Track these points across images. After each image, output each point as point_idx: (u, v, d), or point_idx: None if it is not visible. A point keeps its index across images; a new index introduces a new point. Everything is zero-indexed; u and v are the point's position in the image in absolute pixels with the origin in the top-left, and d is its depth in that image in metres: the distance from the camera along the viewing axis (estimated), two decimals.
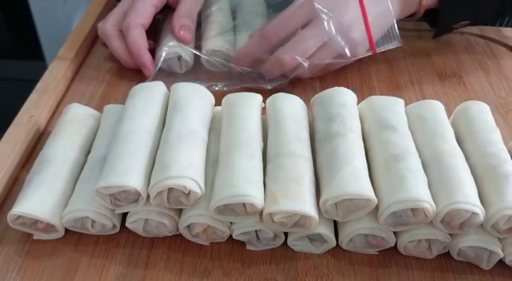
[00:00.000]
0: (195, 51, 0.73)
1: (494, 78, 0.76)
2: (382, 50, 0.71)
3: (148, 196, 0.49)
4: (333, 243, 0.51)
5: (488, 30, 0.86)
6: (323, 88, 0.72)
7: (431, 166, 0.52)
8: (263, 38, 0.68)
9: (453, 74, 0.77)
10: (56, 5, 1.54)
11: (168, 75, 0.72)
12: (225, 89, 0.70)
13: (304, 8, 0.67)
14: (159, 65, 0.71)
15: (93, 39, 0.80)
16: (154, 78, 0.69)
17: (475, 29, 0.86)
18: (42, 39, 1.66)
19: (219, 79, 0.71)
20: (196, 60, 0.74)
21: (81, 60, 0.76)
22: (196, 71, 0.73)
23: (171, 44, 0.72)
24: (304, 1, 0.67)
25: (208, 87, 0.61)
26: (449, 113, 0.60)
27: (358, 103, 0.61)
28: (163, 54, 0.71)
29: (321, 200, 0.49)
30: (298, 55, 0.66)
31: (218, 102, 0.60)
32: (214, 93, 0.61)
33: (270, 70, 0.69)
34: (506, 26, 0.90)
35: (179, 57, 0.72)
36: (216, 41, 0.73)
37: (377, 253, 0.52)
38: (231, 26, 0.78)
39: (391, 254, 0.52)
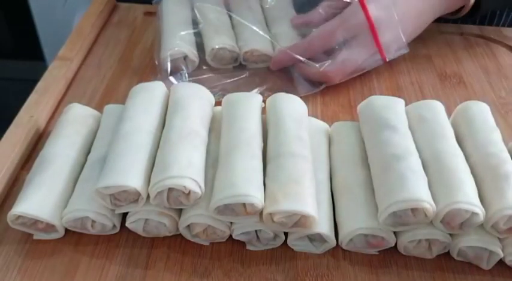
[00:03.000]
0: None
1: (494, 78, 0.76)
2: (392, 58, 0.72)
3: (148, 196, 0.49)
4: (333, 243, 0.51)
5: (488, 30, 0.86)
6: (323, 88, 0.73)
7: (431, 166, 0.52)
8: (309, 46, 0.71)
9: (453, 74, 0.77)
10: (56, 5, 1.53)
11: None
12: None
13: (352, 22, 0.69)
14: (168, 66, 0.71)
15: (93, 39, 0.80)
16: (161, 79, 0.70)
17: (475, 29, 0.86)
18: (42, 39, 1.66)
19: (225, 77, 0.72)
20: (201, 59, 0.74)
21: (81, 60, 0.76)
22: (201, 69, 0.74)
23: (177, 44, 0.72)
24: (351, 14, 0.69)
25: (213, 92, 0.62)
26: (449, 113, 0.60)
27: (358, 103, 0.61)
28: (170, 56, 0.71)
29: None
30: (345, 71, 0.71)
31: (218, 103, 0.60)
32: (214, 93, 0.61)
33: (310, 76, 0.71)
34: (507, 26, 0.90)
35: (185, 57, 0.72)
36: (219, 38, 0.74)
37: (377, 253, 0.52)
38: (229, 22, 0.78)
39: (391, 254, 0.52)
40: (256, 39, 0.74)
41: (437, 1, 0.74)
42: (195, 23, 0.78)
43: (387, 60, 0.72)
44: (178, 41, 0.72)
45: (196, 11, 0.80)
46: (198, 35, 0.76)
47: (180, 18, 0.77)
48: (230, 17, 0.79)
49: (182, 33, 0.74)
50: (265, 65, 0.75)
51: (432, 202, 0.48)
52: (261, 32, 0.75)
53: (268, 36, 0.75)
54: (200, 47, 0.74)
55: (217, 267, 0.51)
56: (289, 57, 0.71)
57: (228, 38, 0.74)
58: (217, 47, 0.73)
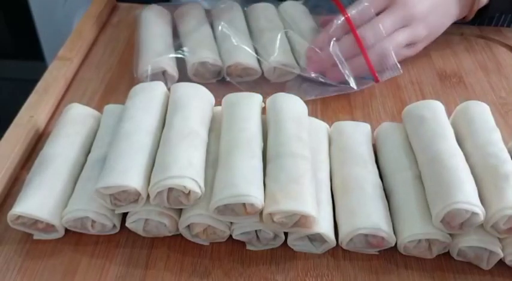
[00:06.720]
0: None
1: (494, 78, 0.76)
2: (385, 79, 0.71)
3: (148, 196, 0.49)
4: (333, 243, 0.51)
5: (488, 30, 0.86)
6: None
7: (431, 166, 0.52)
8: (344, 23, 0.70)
9: (453, 74, 0.77)
10: (56, 5, 1.53)
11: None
12: None
13: None
14: (147, 80, 0.67)
15: (93, 40, 0.80)
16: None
17: (475, 29, 0.86)
18: (42, 39, 1.66)
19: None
20: (183, 73, 0.70)
21: (81, 60, 0.76)
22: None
23: (156, 59, 0.68)
24: None
25: None
26: (449, 113, 0.60)
27: (358, 103, 0.61)
28: (149, 70, 0.68)
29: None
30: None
31: (218, 102, 0.60)
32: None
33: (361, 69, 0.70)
34: (507, 26, 0.90)
35: (163, 72, 0.69)
36: (201, 52, 0.70)
37: (377, 253, 0.52)
38: (211, 34, 0.75)
39: (391, 254, 0.52)
40: (240, 52, 0.70)
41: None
42: (175, 36, 0.75)
43: (380, 81, 0.71)
44: (156, 55, 0.68)
45: (176, 23, 0.77)
46: (179, 48, 0.72)
47: (159, 31, 0.74)
48: (212, 29, 0.76)
49: (161, 46, 0.71)
50: (250, 79, 0.71)
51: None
52: (244, 45, 0.71)
53: (252, 49, 0.71)
54: (181, 61, 0.70)
55: (217, 267, 0.51)
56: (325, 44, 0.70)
57: (209, 52, 0.70)
58: (198, 61, 0.69)
